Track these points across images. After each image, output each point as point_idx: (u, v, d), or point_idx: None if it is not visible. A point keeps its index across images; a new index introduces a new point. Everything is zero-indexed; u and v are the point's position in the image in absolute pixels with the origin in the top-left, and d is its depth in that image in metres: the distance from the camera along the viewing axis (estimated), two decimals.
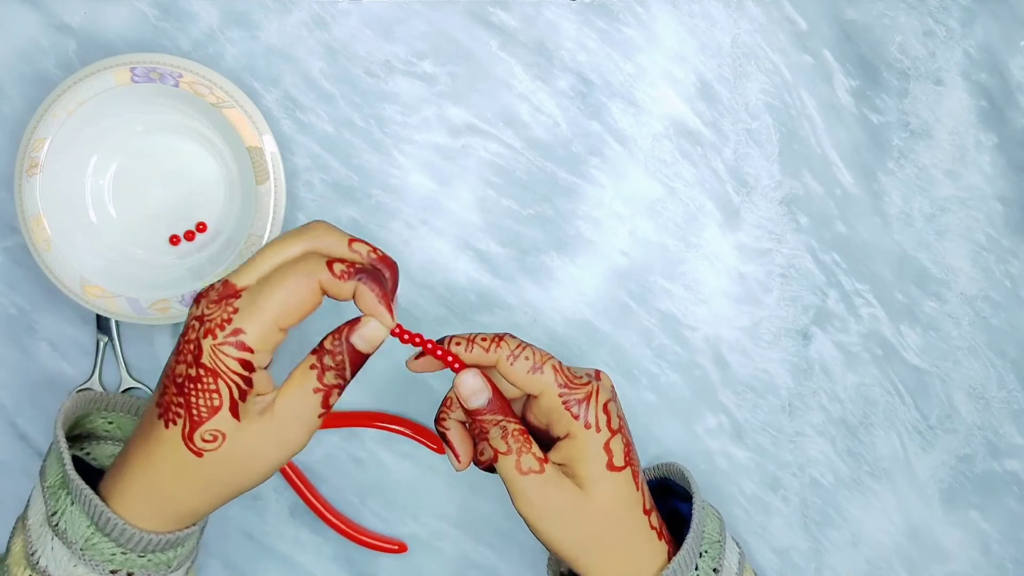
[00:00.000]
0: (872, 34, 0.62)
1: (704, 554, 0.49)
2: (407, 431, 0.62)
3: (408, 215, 0.62)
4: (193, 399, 0.43)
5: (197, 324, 0.44)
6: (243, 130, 0.58)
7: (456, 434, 0.50)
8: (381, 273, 0.45)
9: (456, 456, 0.50)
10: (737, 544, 0.53)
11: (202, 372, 0.43)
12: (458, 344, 0.48)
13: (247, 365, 0.43)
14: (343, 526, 0.62)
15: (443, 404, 0.50)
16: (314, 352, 0.45)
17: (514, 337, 0.48)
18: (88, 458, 0.55)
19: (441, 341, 0.48)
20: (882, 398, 0.63)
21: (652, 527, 0.49)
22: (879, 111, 0.62)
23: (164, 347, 0.62)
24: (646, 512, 0.49)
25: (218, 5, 0.61)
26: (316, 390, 0.44)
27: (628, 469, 0.48)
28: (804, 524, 0.64)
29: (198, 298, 0.45)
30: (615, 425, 0.48)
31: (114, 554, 0.46)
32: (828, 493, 0.63)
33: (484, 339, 0.48)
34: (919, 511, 0.64)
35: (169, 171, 0.60)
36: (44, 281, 0.60)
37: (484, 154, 0.62)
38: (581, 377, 0.48)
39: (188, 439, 0.44)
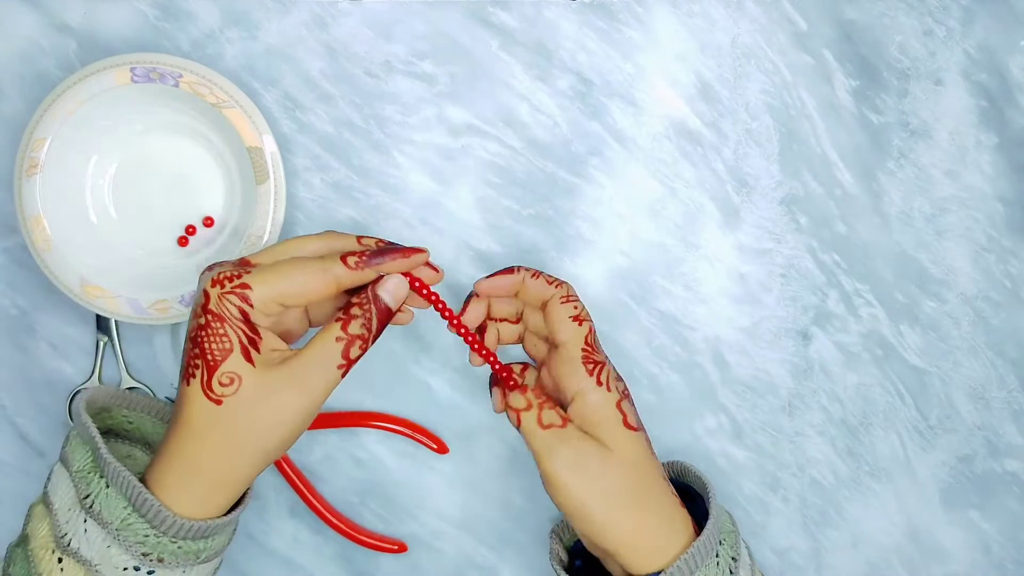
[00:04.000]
0: (872, 34, 0.62)
1: (723, 542, 0.50)
2: (407, 431, 0.62)
3: (408, 215, 0.62)
4: (206, 346, 0.46)
5: (209, 284, 0.47)
6: (243, 130, 0.58)
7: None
8: (394, 249, 0.50)
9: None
10: (744, 540, 0.53)
11: (210, 318, 0.46)
12: (528, 271, 0.52)
13: (246, 315, 0.46)
14: (343, 526, 0.62)
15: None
16: (342, 309, 0.48)
17: (571, 288, 0.52)
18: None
19: (510, 268, 0.53)
20: (882, 398, 0.63)
21: (673, 494, 0.50)
22: (879, 111, 0.62)
23: (164, 347, 0.62)
24: (664, 479, 0.50)
25: (218, 5, 0.61)
26: (338, 339, 0.47)
27: (643, 432, 0.50)
28: (804, 524, 0.64)
29: (211, 266, 0.48)
30: (621, 388, 0.50)
31: (147, 535, 0.47)
32: (828, 493, 0.63)
33: (550, 278, 0.52)
34: (919, 511, 0.64)
35: (169, 171, 0.60)
36: (44, 281, 0.60)
37: (484, 154, 0.62)
38: (602, 352, 0.52)
39: (207, 387, 0.46)
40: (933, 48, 0.62)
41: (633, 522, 0.48)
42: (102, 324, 0.62)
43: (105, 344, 0.62)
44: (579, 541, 0.57)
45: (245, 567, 0.63)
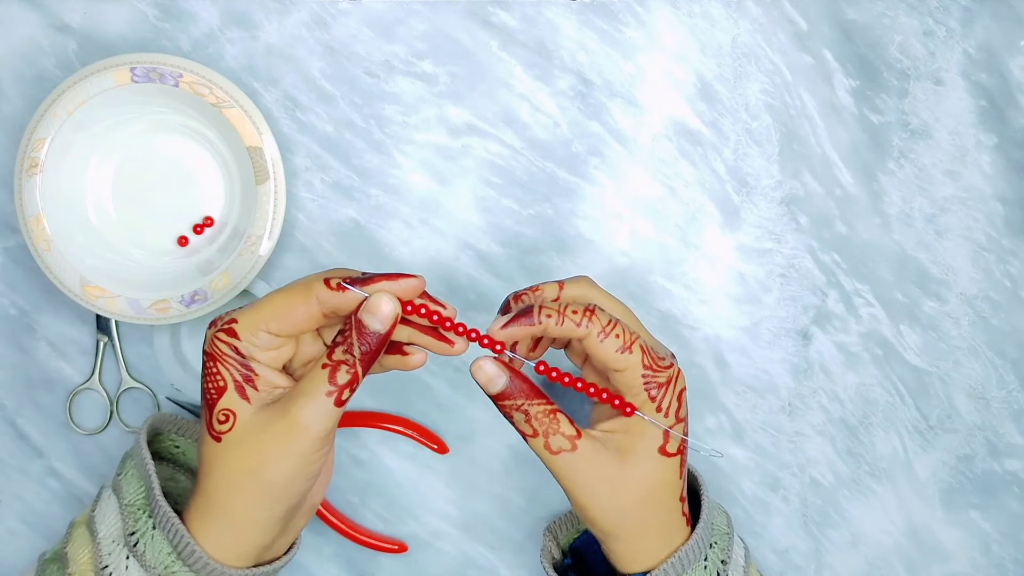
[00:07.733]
0: (872, 34, 0.62)
1: (714, 545, 0.50)
2: (407, 431, 0.62)
3: (408, 215, 0.62)
4: (207, 386, 0.47)
5: (208, 327, 0.48)
6: (243, 130, 0.58)
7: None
8: (380, 274, 0.46)
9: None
10: (742, 540, 0.53)
11: (206, 359, 0.47)
12: (548, 316, 0.46)
13: (237, 351, 0.46)
14: (343, 526, 0.62)
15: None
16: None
17: (603, 311, 0.47)
18: None
19: (528, 308, 0.47)
20: (882, 398, 0.63)
21: (684, 513, 0.50)
22: (879, 111, 0.62)
23: (164, 347, 0.62)
24: (681, 500, 0.50)
25: (218, 5, 0.61)
26: (324, 366, 0.45)
27: (678, 457, 0.48)
28: (804, 524, 0.64)
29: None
30: (683, 414, 0.48)
31: None
32: (828, 493, 0.63)
33: (575, 312, 0.46)
34: (919, 511, 0.64)
35: (169, 171, 0.60)
36: (44, 281, 0.60)
37: (484, 154, 0.62)
38: (664, 359, 0.48)
39: (209, 426, 0.46)
40: (933, 48, 0.62)
41: (641, 535, 0.48)
42: (102, 324, 0.62)
43: (105, 344, 0.62)
44: (574, 540, 0.58)
45: None
